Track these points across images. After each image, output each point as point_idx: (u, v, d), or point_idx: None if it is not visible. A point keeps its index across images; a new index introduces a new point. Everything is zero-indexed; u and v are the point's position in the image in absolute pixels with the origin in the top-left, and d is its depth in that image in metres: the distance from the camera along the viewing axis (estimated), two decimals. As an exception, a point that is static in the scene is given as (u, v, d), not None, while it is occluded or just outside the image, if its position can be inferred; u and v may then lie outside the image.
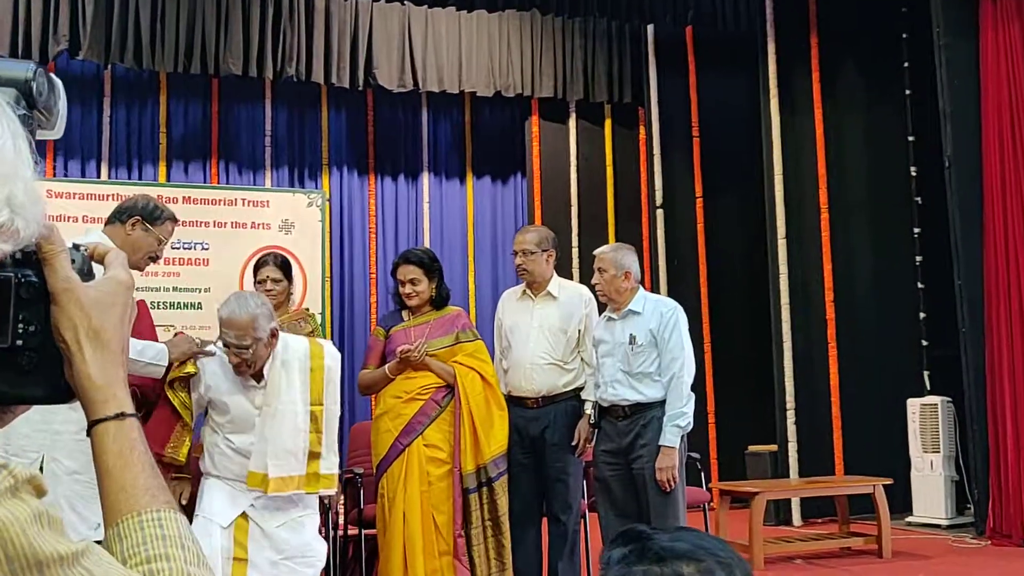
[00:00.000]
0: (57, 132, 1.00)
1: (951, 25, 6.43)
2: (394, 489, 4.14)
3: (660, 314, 4.23)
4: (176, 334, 4.01)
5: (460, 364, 4.29)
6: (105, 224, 3.64)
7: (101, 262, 0.94)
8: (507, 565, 4.23)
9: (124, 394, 0.88)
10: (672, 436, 4.10)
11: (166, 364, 3.49)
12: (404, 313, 4.42)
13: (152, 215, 3.59)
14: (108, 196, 7.87)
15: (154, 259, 3.69)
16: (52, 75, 0.97)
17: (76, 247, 0.92)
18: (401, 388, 4.27)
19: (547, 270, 4.53)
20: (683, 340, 4.21)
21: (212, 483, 3.57)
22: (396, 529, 4.10)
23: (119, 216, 3.60)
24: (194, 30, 7.49)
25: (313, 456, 3.52)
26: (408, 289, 4.33)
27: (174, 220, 3.72)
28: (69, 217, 7.72)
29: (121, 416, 0.87)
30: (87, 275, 0.91)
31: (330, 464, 3.57)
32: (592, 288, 4.48)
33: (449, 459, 4.19)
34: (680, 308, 4.31)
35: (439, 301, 4.39)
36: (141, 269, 3.72)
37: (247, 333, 3.41)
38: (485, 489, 4.21)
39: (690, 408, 4.17)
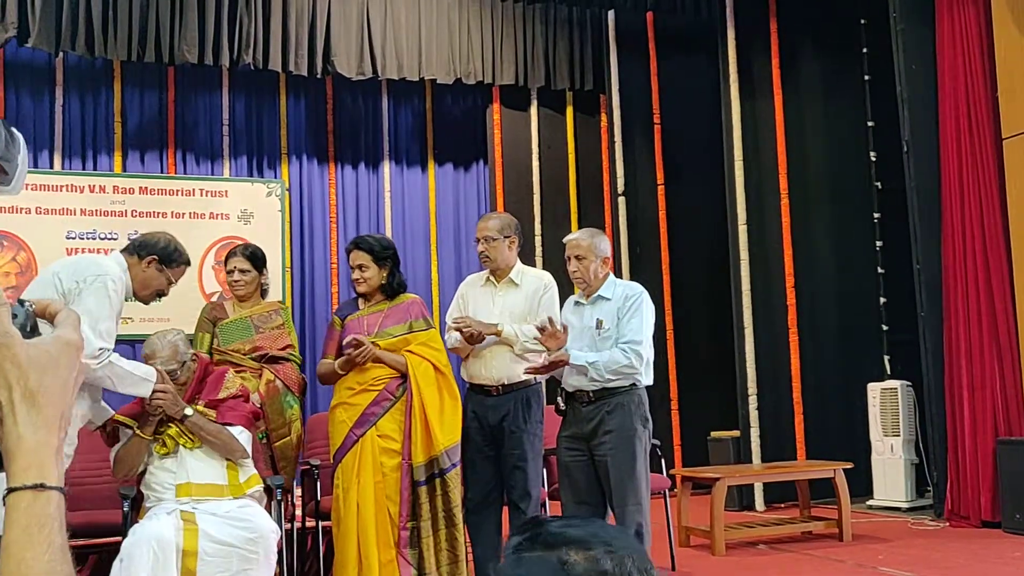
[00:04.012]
0: (15, 189, 0.95)
1: (908, 10, 6.46)
2: (348, 480, 4.10)
3: (625, 297, 4.21)
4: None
5: (413, 354, 4.24)
6: (123, 250, 3.80)
7: (52, 320, 0.88)
8: (460, 558, 4.17)
9: (52, 463, 0.81)
10: (579, 360, 4.04)
11: (152, 384, 3.69)
12: (360, 301, 4.39)
13: (169, 258, 3.77)
14: (61, 187, 7.75)
15: (161, 295, 3.84)
16: (13, 129, 0.92)
17: (21, 302, 0.86)
18: (355, 379, 4.23)
19: (510, 257, 4.50)
20: (643, 323, 4.15)
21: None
22: (350, 520, 4.06)
23: (139, 250, 3.75)
24: (148, 17, 7.35)
25: (231, 468, 3.80)
26: (356, 275, 4.31)
27: (188, 264, 3.90)
28: (21, 209, 7.59)
29: (40, 487, 0.80)
30: (31, 332, 0.85)
31: (247, 470, 3.85)
32: (557, 274, 4.45)
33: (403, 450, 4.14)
34: (646, 293, 4.26)
35: (390, 290, 4.33)
36: (146, 303, 3.89)
37: (173, 358, 3.85)
38: (438, 481, 4.14)
39: (614, 377, 4.06)
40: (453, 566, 4.14)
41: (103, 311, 3.51)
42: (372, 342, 4.21)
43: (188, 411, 3.77)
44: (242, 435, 3.85)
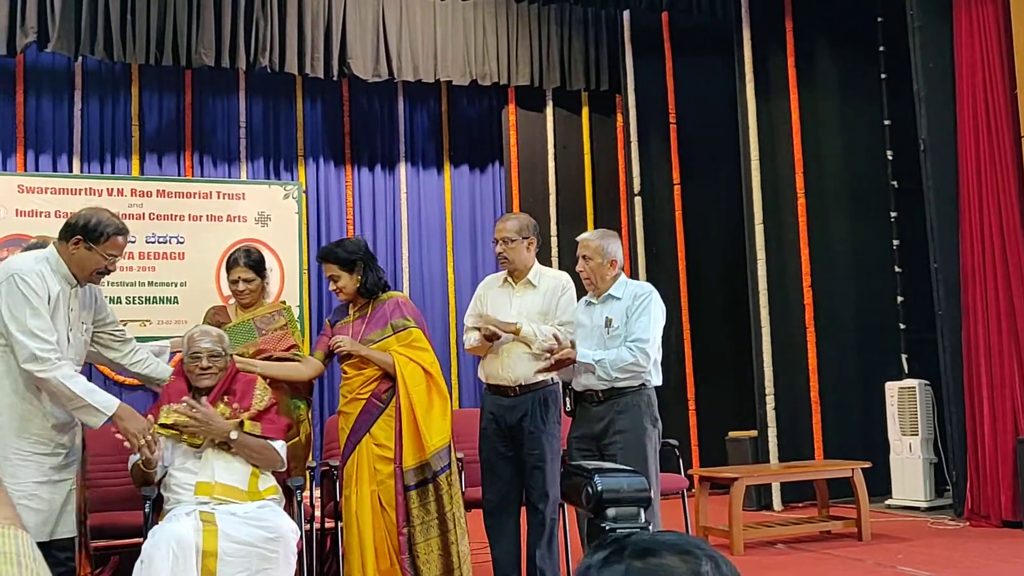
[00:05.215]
0: None
1: (925, 8, 6.43)
2: (350, 487, 4.14)
3: (635, 296, 4.21)
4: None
5: (400, 354, 4.23)
6: (58, 239, 3.64)
7: None
8: (454, 566, 4.10)
9: None
10: (586, 359, 4.04)
11: (106, 417, 3.53)
12: (350, 307, 4.41)
13: (94, 234, 3.56)
14: (80, 190, 7.81)
15: (104, 273, 3.67)
16: None
17: None
18: (346, 388, 4.28)
19: (528, 258, 4.51)
20: (651, 322, 4.13)
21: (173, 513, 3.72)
22: (352, 528, 4.09)
23: (64, 234, 3.59)
24: (165, 21, 7.40)
25: (254, 475, 3.83)
26: (332, 286, 4.34)
27: (123, 233, 3.65)
28: (41, 212, 7.65)
29: None
30: None
31: (267, 479, 3.88)
32: (573, 274, 4.46)
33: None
34: (656, 293, 4.25)
35: (366, 291, 4.32)
36: (96, 283, 3.74)
37: (219, 342, 3.97)
38: (431, 485, 4.11)
39: (621, 375, 4.05)
40: (447, 575, 4.10)
41: (23, 310, 3.40)
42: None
43: (233, 435, 3.79)
44: (283, 449, 3.93)
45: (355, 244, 4.39)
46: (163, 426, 3.78)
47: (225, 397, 3.93)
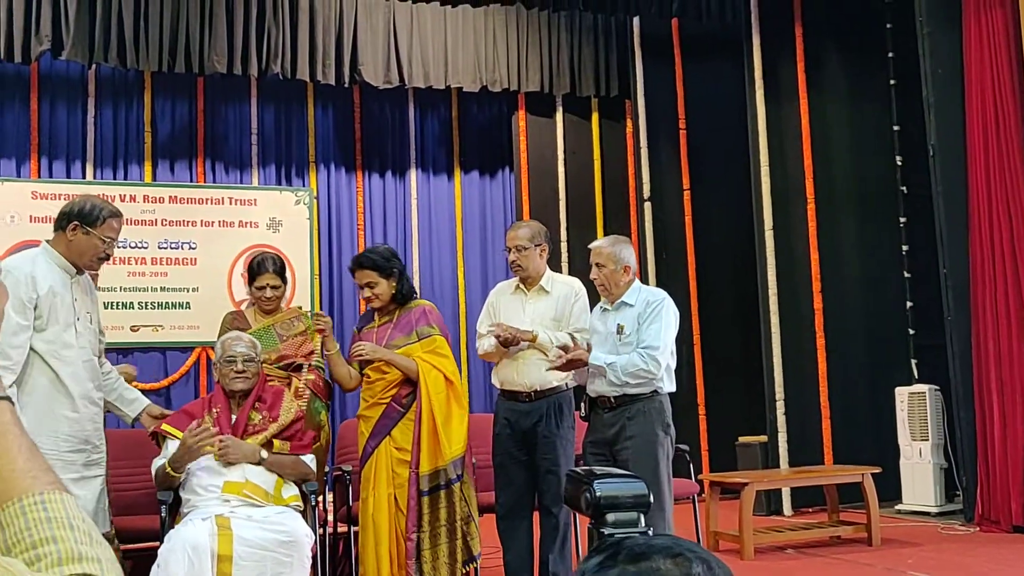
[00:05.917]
0: None
1: (934, 14, 6.44)
2: (367, 491, 4.18)
3: (647, 303, 4.23)
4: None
5: (424, 361, 4.27)
6: (53, 232, 3.62)
7: None
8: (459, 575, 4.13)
9: None
10: (598, 361, 4.08)
11: None
12: (375, 313, 4.44)
13: (90, 218, 3.55)
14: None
15: (103, 259, 3.68)
16: None
17: None
18: (367, 392, 4.32)
19: (541, 265, 4.54)
20: (662, 329, 4.14)
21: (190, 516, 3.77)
22: (368, 531, 4.13)
23: (59, 223, 3.58)
24: (178, 28, 7.46)
25: (279, 481, 3.93)
26: (367, 293, 4.33)
27: (117, 216, 3.65)
28: (54, 219, 7.70)
29: None
30: None
31: (290, 488, 3.97)
32: (584, 280, 4.49)
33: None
34: (669, 299, 4.26)
35: (400, 298, 4.36)
36: (95, 270, 3.75)
37: (253, 348, 4.09)
38: (443, 492, 4.15)
39: (631, 380, 4.08)
40: None
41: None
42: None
43: (264, 454, 3.88)
44: (313, 462, 4.05)
45: (389, 251, 4.42)
46: (167, 432, 3.91)
47: (256, 404, 4.01)
